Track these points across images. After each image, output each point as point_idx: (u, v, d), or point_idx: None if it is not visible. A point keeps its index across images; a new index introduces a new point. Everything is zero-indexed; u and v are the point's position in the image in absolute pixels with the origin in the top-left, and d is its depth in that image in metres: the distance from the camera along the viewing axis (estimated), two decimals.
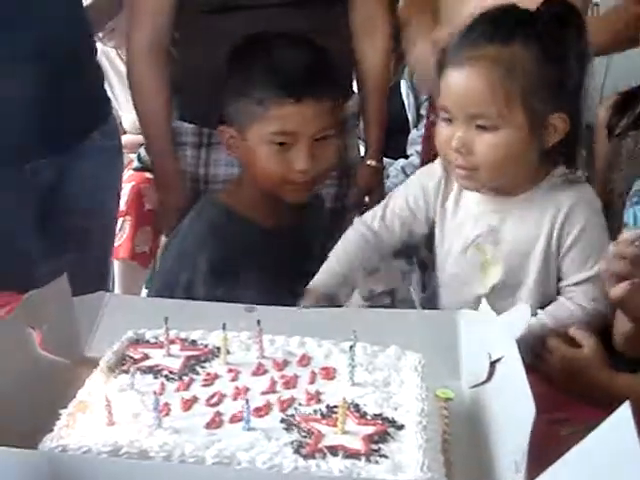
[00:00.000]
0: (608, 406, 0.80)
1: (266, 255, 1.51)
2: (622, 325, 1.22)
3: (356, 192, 1.97)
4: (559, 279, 1.40)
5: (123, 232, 2.85)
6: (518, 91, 1.31)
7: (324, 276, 1.48)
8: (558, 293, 1.40)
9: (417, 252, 1.88)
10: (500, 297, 1.38)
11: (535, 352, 1.26)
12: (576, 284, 1.37)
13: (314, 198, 1.66)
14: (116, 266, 2.72)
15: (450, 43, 1.39)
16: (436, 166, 1.49)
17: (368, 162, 1.97)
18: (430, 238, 1.52)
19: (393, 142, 2.57)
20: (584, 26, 1.37)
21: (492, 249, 1.40)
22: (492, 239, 1.41)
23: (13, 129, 1.61)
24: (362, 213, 1.67)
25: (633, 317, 1.18)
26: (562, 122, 1.34)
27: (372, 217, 1.53)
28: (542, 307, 1.38)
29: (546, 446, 0.89)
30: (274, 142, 1.46)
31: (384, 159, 2.10)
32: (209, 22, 1.74)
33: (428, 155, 1.96)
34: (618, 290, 1.13)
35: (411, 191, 1.51)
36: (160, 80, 1.82)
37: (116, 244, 2.38)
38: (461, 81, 1.34)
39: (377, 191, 1.98)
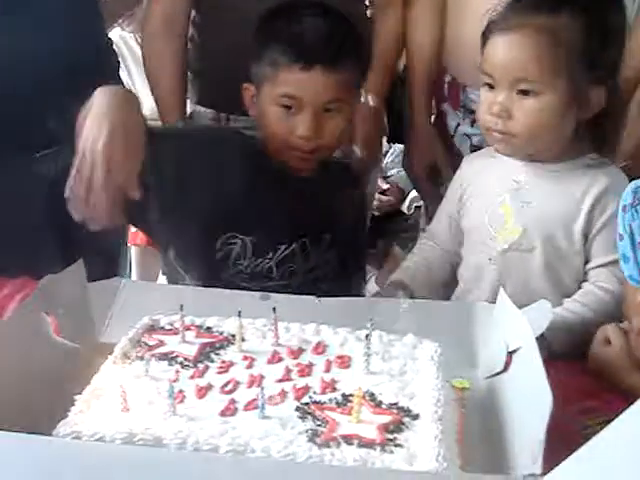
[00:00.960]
0: None
1: (284, 200, 1.50)
2: None
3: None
4: (586, 261, 1.41)
5: None
6: (562, 59, 1.35)
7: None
8: (584, 279, 1.41)
9: None
10: (514, 259, 1.42)
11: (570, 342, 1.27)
12: (604, 265, 1.38)
13: (347, 169, 1.67)
14: (133, 252, 2.72)
15: (496, 13, 1.42)
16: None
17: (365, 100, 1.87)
18: None
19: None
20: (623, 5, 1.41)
21: (516, 209, 1.43)
22: (518, 200, 1.43)
23: (22, 118, 1.61)
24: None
25: None
26: (599, 96, 1.37)
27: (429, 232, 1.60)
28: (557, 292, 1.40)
29: (567, 438, 0.88)
30: (281, 104, 1.45)
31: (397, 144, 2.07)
32: (230, 3, 1.73)
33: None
34: None
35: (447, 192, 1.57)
36: (174, 59, 1.82)
37: (133, 230, 2.37)
38: (507, 46, 1.38)
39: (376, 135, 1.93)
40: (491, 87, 1.40)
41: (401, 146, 2.67)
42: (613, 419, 0.78)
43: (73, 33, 1.65)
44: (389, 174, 3.11)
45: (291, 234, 1.51)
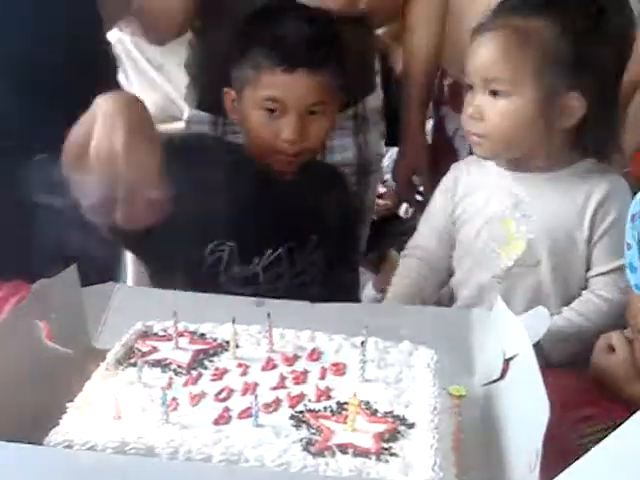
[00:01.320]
0: None
1: (269, 204, 1.50)
2: None
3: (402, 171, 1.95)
4: (587, 269, 1.40)
5: None
6: (530, 60, 1.34)
7: None
8: (584, 287, 1.40)
9: None
10: (520, 274, 1.41)
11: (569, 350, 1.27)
12: (605, 273, 1.37)
13: (333, 171, 1.67)
14: (128, 257, 2.70)
15: (486, 15, 1.43)
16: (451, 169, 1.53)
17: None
18: None
19: None
20: (626, 9, 1.38)
21: (517, 223, 1.41)
22: (518, 214, 1.42)
23: (20, 121, 1.60)
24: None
25: None
26: (577, 102, 1.35)
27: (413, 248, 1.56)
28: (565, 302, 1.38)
29: (565, 447, 0.87)
30: (264, 108, 1.44)
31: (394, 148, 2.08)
32: (230, 7, 1.72)
33: (437, 146, 1.95)
34: None
35: (433, 204, 1.55)
36: None
37: None
38: (480, 47, 1.39)
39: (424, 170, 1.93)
40: (471, 88, 1.41)
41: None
42: (612, 427, 0.77)
43: (72, 36, 1.64)
44: (385, 178, 3.10)
45: (276, 238, 1.51)
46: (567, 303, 1.39)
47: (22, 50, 1.57)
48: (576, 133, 1.39)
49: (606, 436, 0.77)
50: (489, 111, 1.38)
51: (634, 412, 0.76)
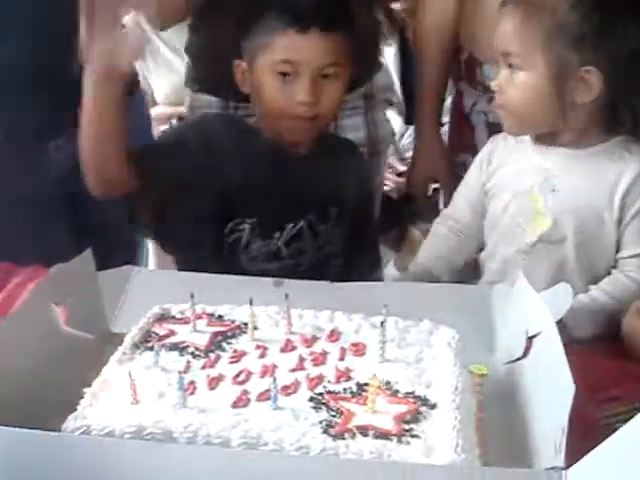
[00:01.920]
0: None
1: (285, 178, 1.50)
2: None
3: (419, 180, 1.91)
4: (617, 250, 1.38)
5: None
6: (541, 34, 1.32)
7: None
8: (614, 266, 1.38)
9: None
10: (545, 250, 1.39)
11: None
12: (636, 256, 1.33)
13: (346, 142, 1.66)
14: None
15: None
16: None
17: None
18: None
19: None
20: None
21: (544, 199, 1.39)
22: (546, 189, 1.40)
23: (37, 107, 1.59)
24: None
25: None
26: (594, 78, 1.32)
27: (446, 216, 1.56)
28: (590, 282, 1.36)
29: (591, 427, 0.86)
30: (278, 72, 1.43)
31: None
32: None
33: (455, 123, 1.92)
34: None
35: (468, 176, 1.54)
36: None
37: None
38: (501, 20, 1.39)
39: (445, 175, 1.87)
40: (499, 63, 1.41)
41: None
42: (629, 410, 0.75)
43: None
44: (406, 156, 3.07)
45: (296, 212, 1.51)
46: (590, 282, 1.36)
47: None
48: (604, 109, 1.36)
49: (632, 416, 0.75)
50: (507, 84, 1.38)
51: None
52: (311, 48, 1.43)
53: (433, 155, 1.87)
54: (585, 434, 0.83)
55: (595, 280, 1.37)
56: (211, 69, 1.79)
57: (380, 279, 1.74)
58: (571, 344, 1.02)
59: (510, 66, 1.37)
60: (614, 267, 1.37)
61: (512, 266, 1.41)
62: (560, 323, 1.05)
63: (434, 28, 1.80)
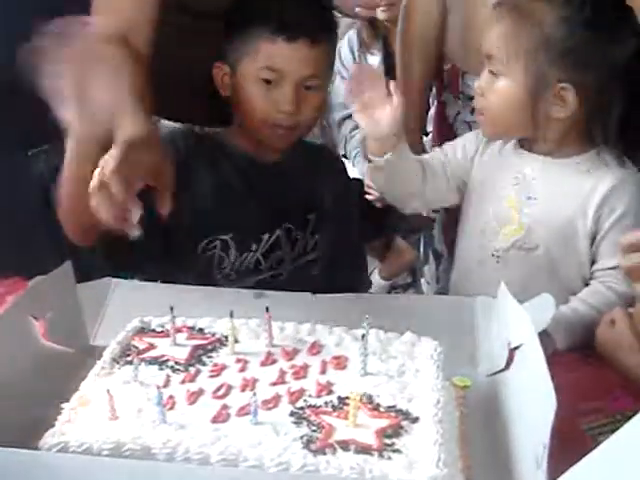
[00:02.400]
0: None
1: (258, 188, 1.50)
2: None
3: None
4: (593, 261, 1.37)
5: None
6: (524, 43, 1.32)
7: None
8: (591, 277, 1.37)
9: (432, 242, 1.83)
10: (517, 257, 1.38)
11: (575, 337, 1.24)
12: (612, 268, 1.32)
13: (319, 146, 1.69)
14: None
15: None
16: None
17: None
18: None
19: None
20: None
21: (520, 205, 1.39)
22: (523, 196, 1.39)
23: (17, 115, 1.57)
24: None
25: None
26: (570, 95, 1.32)
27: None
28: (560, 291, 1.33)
29: (568, 440, 0.85)
30: (262, 79, 1.43)
31: None
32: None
33: (439, 133, 1.91)
34: None
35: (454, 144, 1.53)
36: None
37: None
38: (488, 24, 1.39)
39: None
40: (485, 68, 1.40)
41: None
42: (618, 420, 0.75)
43: None
44: None
45: (272, 221, 1.50)
46: (562, 290, 1.36)
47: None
48: (579, 123, 1.36)
49: (614, 429, 0.74)
50: (487, 88, 1.38)
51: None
52: (298, 58, 1.43)
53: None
54: (566, 447, 0.83)
55: (565, 289, 1.37)
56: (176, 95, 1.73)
57: (365, 283, 1.73)
58: (552, 355, 1.02)
59: (492, 71, 1.37)
60: (591, 278, 1.37)
61: (483, 268, 1.42)
62: (543, 333, 1.05)
63: (418, 37, 1.79)
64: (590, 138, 1.38)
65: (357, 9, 1.83)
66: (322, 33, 1.45)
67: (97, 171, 1.09)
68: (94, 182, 1.09)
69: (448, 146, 1.54)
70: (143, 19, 1.37)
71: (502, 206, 1.41)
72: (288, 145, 1.51)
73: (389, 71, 1.98)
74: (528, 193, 1.39)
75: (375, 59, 2.93)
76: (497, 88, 1.37)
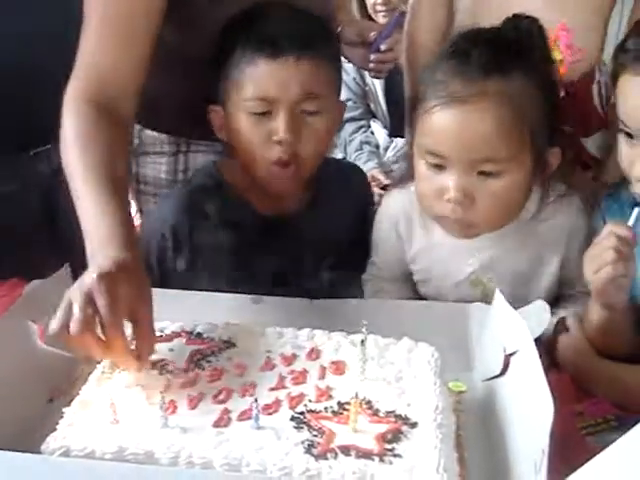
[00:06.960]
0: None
1: (258, 242, 1.38)
2: (594, 313, 1.17)
3: None
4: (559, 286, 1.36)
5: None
6: (528, 129, 1.20)
7: None
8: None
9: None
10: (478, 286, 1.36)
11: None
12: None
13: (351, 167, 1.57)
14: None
15: (427, 77, 1.25)
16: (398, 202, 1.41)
17: None
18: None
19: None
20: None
21: (489, 279, 1.34)
22: (489, 271, 1.34)
23: (18, 116, 1.58)
24: None
25: (607, 305, 1.14)
26: (556, 157, 1.27)
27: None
28: None
29: (565, 442, 0.86)
30: (252, 112, 1.28)
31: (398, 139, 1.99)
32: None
33: None
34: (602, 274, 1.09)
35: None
36: None
37: None
38: (460, 123, 1.19)
39: None
40: (439, 168, 1.23)
41: (402, 140, 2.64)
42: (598, 423, 0.76)
43: (71, 33, 1.62)
44: (390, 169, 3.07)
45: (287, 279, 1.38)
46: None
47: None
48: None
49: (599, 430, 0.76)
50: (481, 193, 1.21)
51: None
52: (284, 78, 1.26)
53: None
54: (564, 450, 0.84)
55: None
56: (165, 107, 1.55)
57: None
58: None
59: (485, 173, 1.20)
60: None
61: (445, 296, 1.38)
62: (539, 340, 1.06)
63: (424, 41, 1.79)
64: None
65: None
66: (311, 46, 1.28)
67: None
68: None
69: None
70: (134, 90, 1.29)
71: (471, 287, 1.35)
72: (293, 186, 1.36)
73: (389, 74, 1.95)
74: (491, 268, 1.33)
75: None
76: (499, 186, 1.21)
